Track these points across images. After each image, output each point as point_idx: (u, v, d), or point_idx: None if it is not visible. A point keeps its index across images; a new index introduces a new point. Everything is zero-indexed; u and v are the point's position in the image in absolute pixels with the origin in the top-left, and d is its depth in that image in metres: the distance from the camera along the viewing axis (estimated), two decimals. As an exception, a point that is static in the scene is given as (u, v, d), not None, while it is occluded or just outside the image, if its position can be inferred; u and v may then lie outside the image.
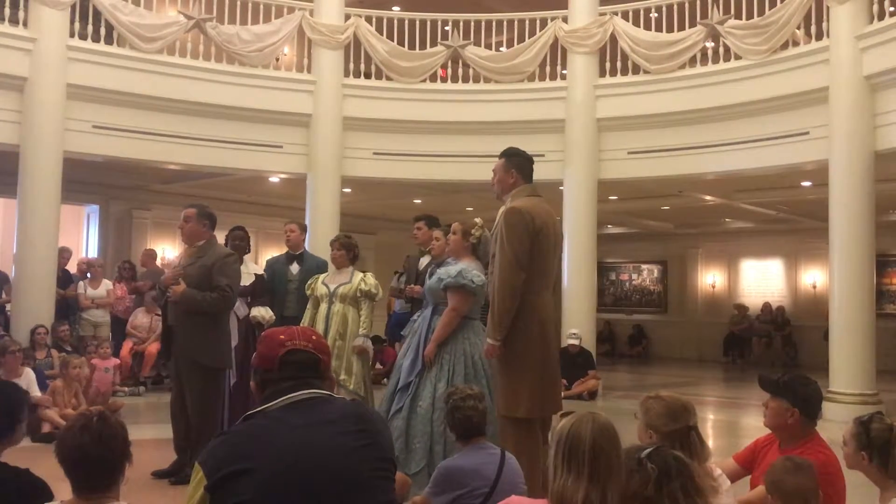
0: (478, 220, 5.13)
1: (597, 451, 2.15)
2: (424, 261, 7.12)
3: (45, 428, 6.89)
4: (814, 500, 2.79)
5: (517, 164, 4.59)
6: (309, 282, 6.59)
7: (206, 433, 5.36)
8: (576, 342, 10.19)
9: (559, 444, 2.22)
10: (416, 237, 7.14)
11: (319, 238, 10.57)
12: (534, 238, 4.34)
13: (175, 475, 5.39)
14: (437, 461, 4.51)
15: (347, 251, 6.43)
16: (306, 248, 7.59)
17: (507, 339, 4.30)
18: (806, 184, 11.56)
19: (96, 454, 2.36)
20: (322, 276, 6.53)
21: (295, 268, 7.31)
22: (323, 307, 6.31)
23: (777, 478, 2.82)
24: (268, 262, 7.81)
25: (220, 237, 6.92)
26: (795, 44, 9.90)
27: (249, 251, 7.13)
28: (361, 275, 6.40)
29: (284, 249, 7.68)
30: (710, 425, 8.90)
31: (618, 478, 2.15)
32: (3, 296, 9.76)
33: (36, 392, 7.15)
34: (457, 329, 4.86)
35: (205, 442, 5.07)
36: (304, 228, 7.75)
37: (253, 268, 7.05)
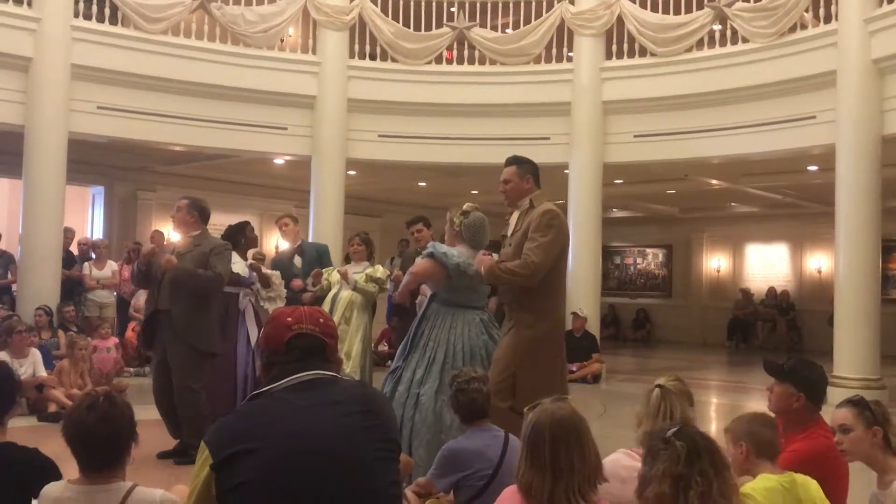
0: (467, 204, 5.02)
1: (556, 447, 2.26)
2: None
3: (52, 408, 6.93)
4: (776, 455, 2.86)
5: (531, 170, 4.70)
6: (327, 270, 6.79)
7: (194, 414, 5.41)
8: (581, 313, 10.40)
9: (524, 438, 2.34)
10: (417, 240, 7.16)
11: (324, 221, 10.59)
12: (566, 243, 4.55)
13: (180, 455, 5.42)
14: (402, 445, 4.53)
15: (367, 246, 6.66)
16: (303, 239, 7.65)
17: (540, 330, 4.43)
18: (812, 168, 11.51)
19: (103, 434, 2.38)
20: (339, 267, 6.75)
21: (298, 261, 7.36)
22: (333, 290, 6.47)
23: (754, 428, 2.86)
24: (273, 261, 7.85)
25: (221, 220, 6.98)
26: (803, 27, 9.83)
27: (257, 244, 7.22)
28: (373, 267, 6.67)
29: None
30: (713, 409, 8.92)
31: (583, 469, 2.25)
32: (10, 276, 9.79)
33: (42, 372, 7.19)
34: (447, 318, 4.79)
35: (195, 423, 5.17)
36: (296, 220, 7.78)
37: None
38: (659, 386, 2.65)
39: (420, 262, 4.87)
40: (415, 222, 7.23)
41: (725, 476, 2.07)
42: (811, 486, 2.77)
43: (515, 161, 4.73)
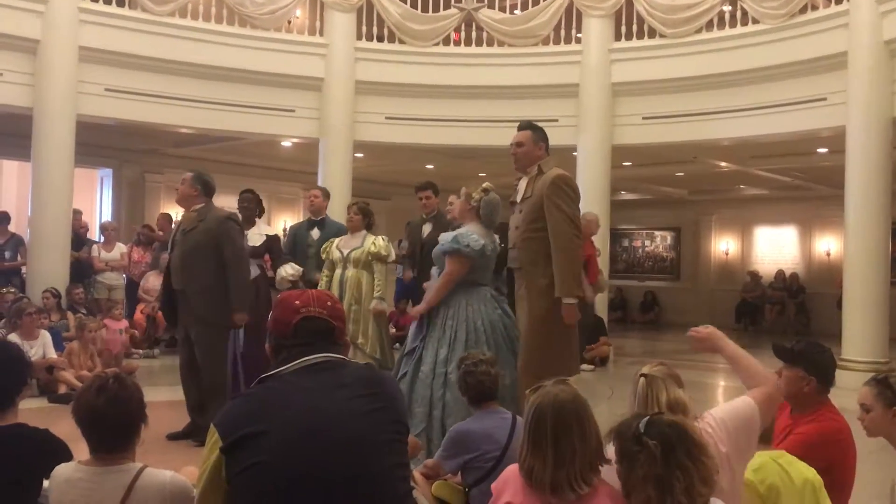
0: (486, 183, 5.09)
1: (558, 432, 2.27)
2: (427, 228, 7.11)
3: (62, 389, 6.97)
4: (769, 436, 2.95)
5: (544, 137, 4.81)
6: (324, 245, 6.63)
7: (220, 391, 5.44)
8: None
9: (526, 422, 2.37)
10: (424, 206, 7.12)
11: (332, 203, 10.52)
12: (577, 205, 4.62)
13: (189, 437, 5.45)
14: (435, 425, 4.56)
15: (364, 216, 6.48)
16: (327, 215, 7.62)
17: (552, 303, 4.45)
18: (822, 150, 11.44)
19: (113, 415, 2.39)
20: (337, 241, 6.56)
21: (315, 233, 7.36)
22: (337, 272, 6.37)
23: None
24: (291, 228, 7.87)
25: (229, 202, 6.95)
26: (814, 7, 9.74)
27: (262, 214, 7.13)
28: (373, 238, 6.41)
29: (297, 213, 7.72)
30: (720, 392, 8.92)
31: (585, 453, 2.26)
32: (19, 258, 9.83)
33: (52, 354, 7.23)
34: (461, 295, 4.82)
35: (219, 399, 5.19)
36: (327, 195, 7.77)
37: (265, 229, 7.05)
38: (643, 375, 2.64)
39: (452, 265, 4.83)
40: (424, 188, 7.15)
41: (703, 461, 2.06)
42: (800, 464, 2.79)
43: (530, 126, 4.78)
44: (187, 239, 5.61)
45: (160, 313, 9.90)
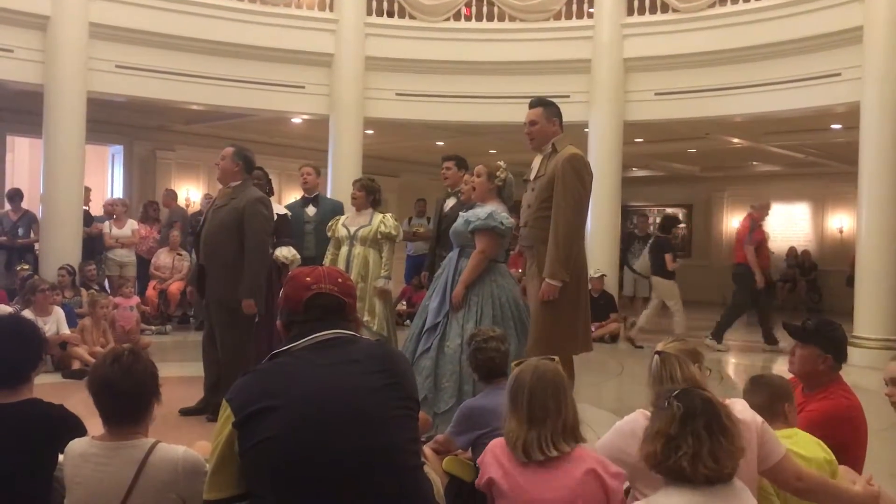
0: (501, 162, 5.11)
1: (532, 398, 2.51)
2: (450, 202, 7.03)
3: (75, 365, 7.03)
4: (776, 414, 2.88)
5: (556, 112, 4.77)
6: (329, 223, 6.59)
7: (235, 373, 5.41)
8: (595, 275, 10.22)
9: (507, 389, 2.61)
10: (445, 178, 6.99)
11: (342, 180, 10.58)
12: (590, 187, 4.61)
13: (203, 412, 5.46)
14: (467, 399, 4.58)
15: (368, 193, 6.36)
16: (320, 192, 7.61)
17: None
18: (836, 126, 11.34)
19: (127, 388, 2.42)
20: (342, 218, 6.51)
21: (311, 209, 7.35)
22: (344, 249, 6.31)
23: (749, 398, 2.89)
24: (285, 208, 7.83)
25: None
26: (830, -19, 9.61)
27: (272, 192, 7.11)
28: (381, 216, 6.35)
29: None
30: (731, 369, 8.92)
31: (555, 420, 2.47)
32: (32, 235, 9.88)
33: (65, 330, 7.28)
34: (484, 271, 4.86)
35: (234, 381, 5.16)
36: (318, 171, 7.74)
37: (277, 208, 7.03)
38: (658, 353, 2.67)
39: (485, 242, 4.84)
40: (449, 158, 6.99)
41: (720, 440, 2.07)
42: (813, 441, 2.79)
43: (541, 103, 4.74)
44: (216, 216, 5.56)
45: (171, 288, 10.02)
